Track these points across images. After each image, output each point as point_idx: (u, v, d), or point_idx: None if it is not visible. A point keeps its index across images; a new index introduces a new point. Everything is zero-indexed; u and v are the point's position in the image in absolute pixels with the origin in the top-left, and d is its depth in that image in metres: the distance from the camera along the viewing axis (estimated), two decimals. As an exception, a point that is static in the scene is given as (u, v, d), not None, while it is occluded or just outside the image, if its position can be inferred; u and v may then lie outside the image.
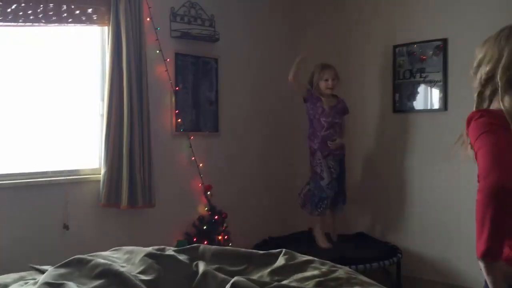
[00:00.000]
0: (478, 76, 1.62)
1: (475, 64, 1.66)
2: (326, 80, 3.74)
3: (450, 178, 3.64)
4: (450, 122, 3.64)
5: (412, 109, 3.93)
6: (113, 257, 2.32)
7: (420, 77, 3.84)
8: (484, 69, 1.60)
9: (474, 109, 1.60)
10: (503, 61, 1.54)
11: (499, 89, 1.52)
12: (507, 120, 1.45)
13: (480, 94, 1.61)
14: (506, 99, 1.48)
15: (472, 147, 1.50)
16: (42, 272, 2.17)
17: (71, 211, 3.32)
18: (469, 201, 3.51)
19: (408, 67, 3.92)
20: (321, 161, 3.81)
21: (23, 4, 3.07)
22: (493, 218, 1.35)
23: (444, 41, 3.69)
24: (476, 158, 1.46)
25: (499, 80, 1.52)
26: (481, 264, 1.41)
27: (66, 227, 3.29)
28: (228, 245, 3.77)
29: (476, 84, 1.63)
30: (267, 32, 4.55)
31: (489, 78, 1.58)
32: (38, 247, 3.15)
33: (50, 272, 2.08)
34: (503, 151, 1.39)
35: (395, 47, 3.99)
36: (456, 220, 3.64)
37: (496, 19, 3.41)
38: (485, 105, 1.58)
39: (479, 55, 1.65)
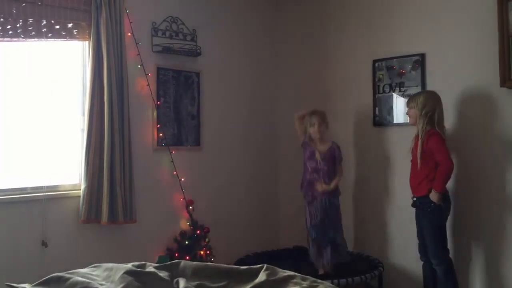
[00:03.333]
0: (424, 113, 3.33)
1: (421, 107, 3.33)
2: (313, 125, 3.74)
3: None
4: (429, 136, 3.69)
5: (391, 123, 3.98)
6: (92, 274, 2.29)
7: (400, 91, 3.90)
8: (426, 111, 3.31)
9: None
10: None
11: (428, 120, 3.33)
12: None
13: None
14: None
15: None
16: (19, 291, 2.13)
17: (50, 227, 3.28)
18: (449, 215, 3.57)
19: (387, 81, 3.98)
20: (305, 206, 3.83)
21: (1, 19, 3.05)
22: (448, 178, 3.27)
23: (422, 56, 3.76)
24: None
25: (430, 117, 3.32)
26: (437, 194, 3.23)
27: (44, 244, 3.24)
28: (211, 260, 3.74)
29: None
30: (248, 47, 4.58)
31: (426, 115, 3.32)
32: (15, 265, 3.10)
33: (27, 291, 2.04)
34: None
35: (374, 61, 4.05)
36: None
37: (471, 35, 3.51)
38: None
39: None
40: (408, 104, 3.45)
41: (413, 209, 3.44)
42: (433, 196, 3.24)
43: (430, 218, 3.31)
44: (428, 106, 3.29)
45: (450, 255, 3.37)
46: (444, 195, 3.27)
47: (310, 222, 3.76)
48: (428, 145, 3.26)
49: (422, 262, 3.47)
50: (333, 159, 3.78)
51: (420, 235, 3.44)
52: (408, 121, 3.49)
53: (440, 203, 3.25)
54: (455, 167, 3.34)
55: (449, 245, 3.41)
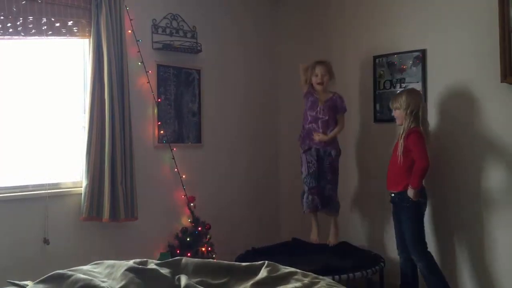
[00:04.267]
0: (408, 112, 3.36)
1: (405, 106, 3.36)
2: (316, 75, 3.79)
3: (430, 186, 3.67)
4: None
5: (392, 119, 3.95)
6: (94, 271, 2.29)
7: (400, 87, 3.89)
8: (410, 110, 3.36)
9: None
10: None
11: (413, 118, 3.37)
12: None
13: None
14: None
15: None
16: (22, 287, 2.14)
17: (51, 225, 3.28)
18: (448, 210, 3.58)
19: (388, 77, 3.98)
20: (301, 155, 3.88)
21: (1, 17, 3.04)
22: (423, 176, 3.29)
23: (423, 51, 3.75)
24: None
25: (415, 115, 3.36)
26: (413, 191, 3.27)
27: (46, 241, 3.25)
28: (212, 257, 3.75)
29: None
30: (249, 43, 4.58)
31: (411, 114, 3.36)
32: (17, 262, 3.11)
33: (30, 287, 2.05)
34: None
35: (375, 57, 4.04)
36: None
37: (472, 30, 3.50)
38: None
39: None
40: (392, 105, 3.49)
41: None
42: (410, 193, 3.30)
43: (408, 214, 3.38)
44: (412, 105, 3.35)
45: (434, 250, 3.46)
46: (420, 191, 3.33)
47: (307, 170, 3.80)
48: (406, 142, 3.32)
49: (401, 259, 3.53)
50: (334, 109, 3.81)
51: (398, 231, 3.50)
52: (396, 122, 3.51)
53: (418, 199, 3.31)
54: (454, 163, 3.37)
55: (432, 240, 3.52)
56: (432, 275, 3.35)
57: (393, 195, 3.47)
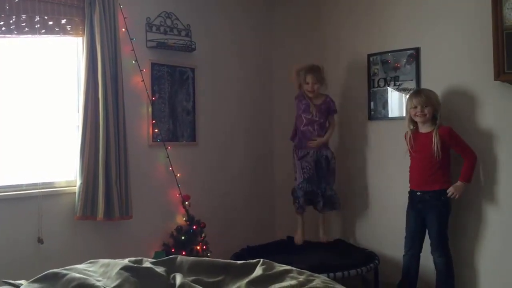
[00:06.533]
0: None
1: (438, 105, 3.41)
2: (307, 83, 3.87)
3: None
4: (424, 129, 3.71)
5: (387, 117, 3.99)
6: (88, 270, 2.29)
7: (394, 85, 3.91)
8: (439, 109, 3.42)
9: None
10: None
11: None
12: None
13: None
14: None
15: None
16: (16, 287, 2.13)
17: (45, 224, 3.27)
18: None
19: (382, 75, 3.99)
20: (296, 162, 3.97)
21: (-6, 16, 3.03)
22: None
23: (417, 50, 3.76)
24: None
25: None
26: (464, 184, 3.35)
27: (40, 240, 3.23)
28: (207, 255, 3.75)
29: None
30: (243, 41, 4.57)
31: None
32: (11, 261, 3.09)
33: (24, 287, 2.04)
34: None
35: (369, 55, 4.05)
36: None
37: (466, 29, 3.52)
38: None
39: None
40: (423, 101, 3.37)
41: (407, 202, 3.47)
42: (459, 188, 3.34)
43: (441, 211, 3.38)
44: (438, 104, 3.42)
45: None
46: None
47: (302, 176, 3.90)
48: (449, 139, 3.35)
49: (407, 256, 3.53)
50: (327, 111, 3.95)
51: (416, 228, 3.48)
52: (419, 119, 3.42)
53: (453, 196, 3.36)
54: (451, 160, 3.39)
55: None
56: (448, 273, 3.39)
57: (418, 193, 3.44)
